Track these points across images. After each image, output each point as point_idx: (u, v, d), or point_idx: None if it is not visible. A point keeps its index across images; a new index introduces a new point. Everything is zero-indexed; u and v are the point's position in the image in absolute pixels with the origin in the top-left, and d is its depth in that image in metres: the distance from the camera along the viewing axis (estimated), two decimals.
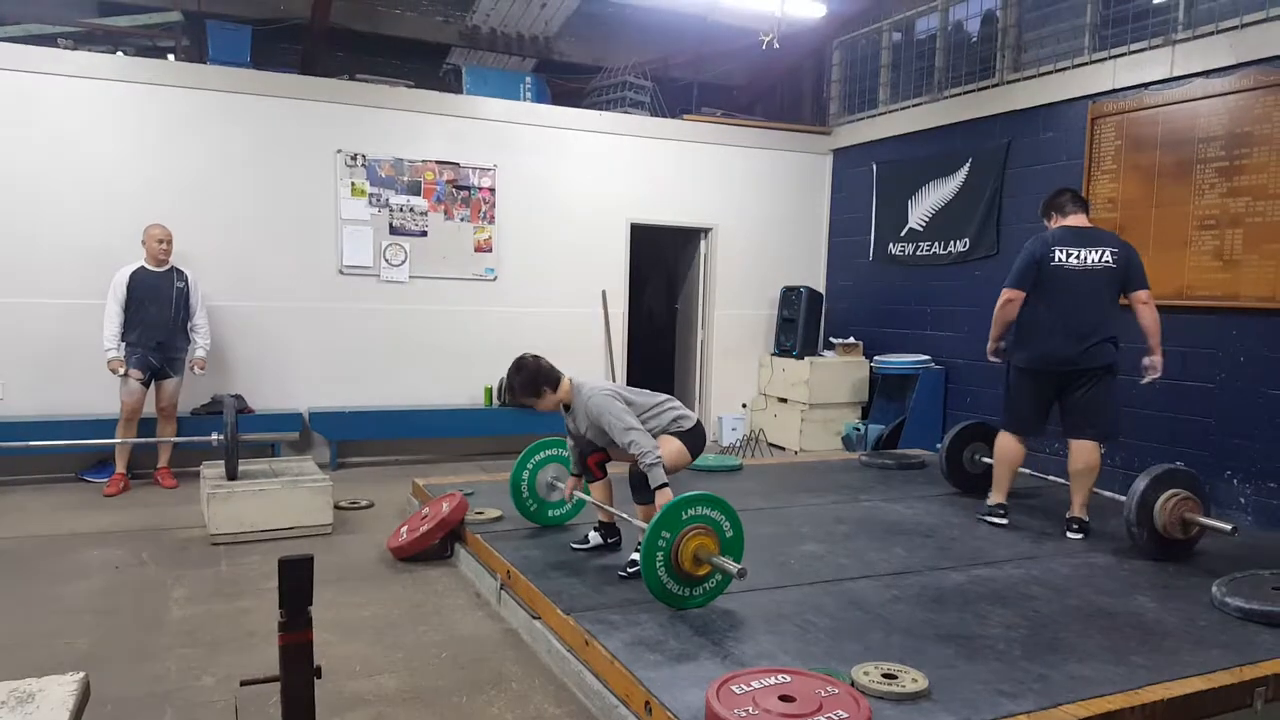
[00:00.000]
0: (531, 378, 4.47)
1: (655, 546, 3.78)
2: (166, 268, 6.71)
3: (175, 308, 6.70)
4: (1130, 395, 6.46)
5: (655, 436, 4.45)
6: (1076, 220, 5.42)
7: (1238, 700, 3.32)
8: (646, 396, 4.64)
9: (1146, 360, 5.30)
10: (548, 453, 5.19)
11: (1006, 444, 5.58)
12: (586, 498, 4.86)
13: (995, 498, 5.61)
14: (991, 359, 5.65)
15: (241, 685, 2.39)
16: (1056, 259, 5.27)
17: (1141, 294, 5.23)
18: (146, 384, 6.62)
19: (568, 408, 4.58)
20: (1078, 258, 5.26)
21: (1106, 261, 5.23)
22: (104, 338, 6.49)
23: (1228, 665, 3.44)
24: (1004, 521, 5.50)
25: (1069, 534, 5.30)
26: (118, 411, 6.58)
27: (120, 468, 6.67)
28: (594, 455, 4.69)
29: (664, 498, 4.08)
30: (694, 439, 4.60)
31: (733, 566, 3.78)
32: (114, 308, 6.53)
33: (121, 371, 6.48)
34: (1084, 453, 5.33)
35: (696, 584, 3.91)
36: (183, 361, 6.83)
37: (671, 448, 4.46)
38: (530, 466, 5.17)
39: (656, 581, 3.83)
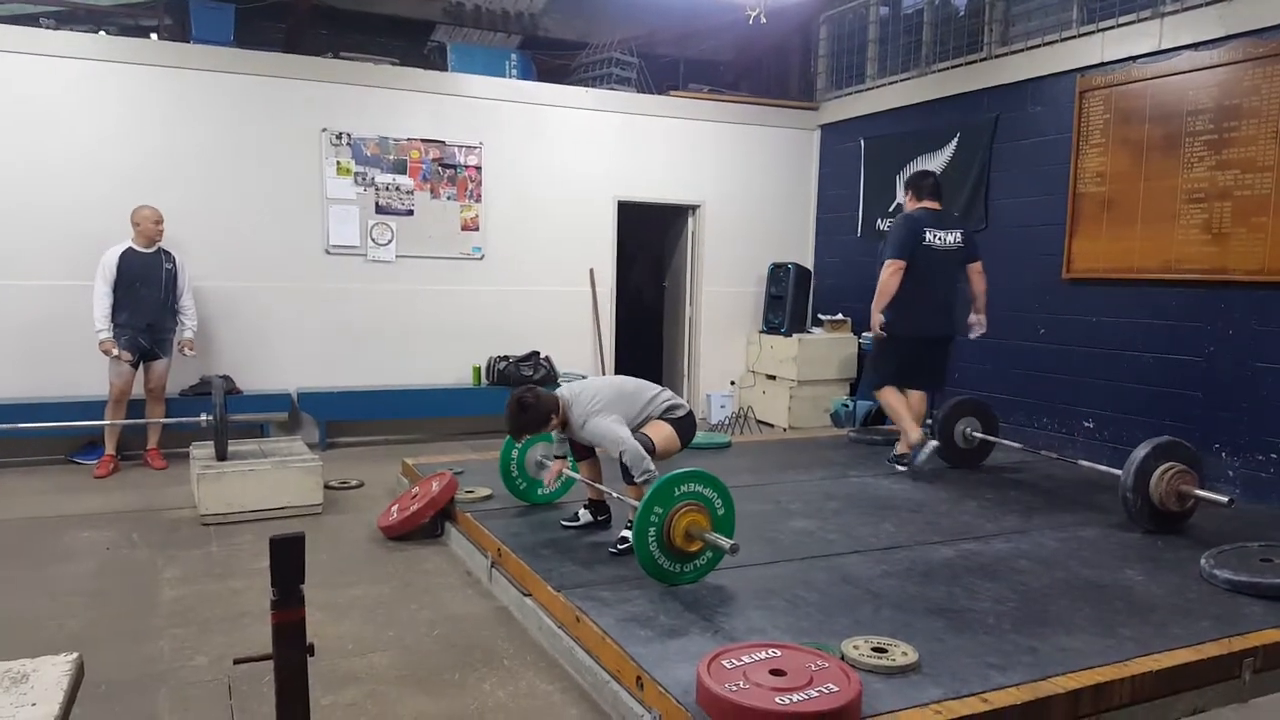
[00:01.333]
0: (537, 414, 4.45)
1: (648, 522, 3.79)
2: (155, 249, 6.65)
3: (164, 289, 6.65)
4: (1119, 370, 6.51)
5: (649, 421, 4.54)
6: (932, 204, 6.13)
7: (1226, 671, 3.33)
8: (639, 395, 4.64)
9: (974, 318, 6.27)
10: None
11: (896, 395, 6.16)
12: (576, 475, 4.88)
13: (917, 436, 6.05)
14: (879, 331, 6.10)
15: (235, 664, 2.39)
16: (927, 239, 5.96)
17: (978, 264, 6.21)
18: (136, 365, 6.58)
19: (564, 425, 4.58)
20: (940, 239, 6.00)
21: (958, 242, 6.06)
22: (95, 319, 6.41)
23: (1216, 637, 3.45)
24: (937, 443, 6.00)
25: (898, 466, 6.18)
26: (106, 393, 6.54)
27: (110, 449, 6.65)
28: None
29: None
30: (685, 427, 4.66)
31: (725, 543, 3.79)
32: (103, 289, 6.45)
33: (114, 353, 6.44)
34: (922, 401, 6.27)
35: (688, 560, 3.93)
36: (171, 342, 6.79)
37: (663, 432, 4.53)
38: (519, 445, 5.17)
39: (649, 557, 3.84)
